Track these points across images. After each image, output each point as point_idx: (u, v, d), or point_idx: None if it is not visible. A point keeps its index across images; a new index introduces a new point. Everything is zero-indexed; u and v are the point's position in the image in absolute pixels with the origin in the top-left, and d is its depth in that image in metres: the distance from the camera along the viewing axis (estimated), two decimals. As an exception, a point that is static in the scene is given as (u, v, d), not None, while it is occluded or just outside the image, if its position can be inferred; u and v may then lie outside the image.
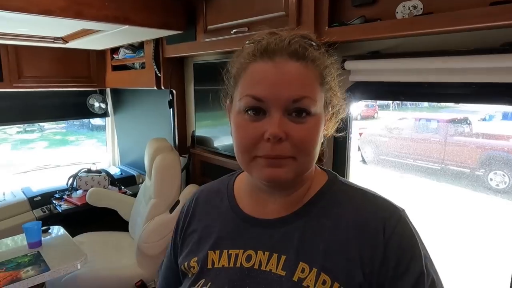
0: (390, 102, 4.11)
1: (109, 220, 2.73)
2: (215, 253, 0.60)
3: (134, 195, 2.79)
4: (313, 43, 0.58)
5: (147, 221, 2.09)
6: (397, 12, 1.15)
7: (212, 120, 2.15)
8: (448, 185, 3.07)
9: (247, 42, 0.62)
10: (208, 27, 1.85)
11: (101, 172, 2.90)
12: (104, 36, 2.21)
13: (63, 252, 1.81)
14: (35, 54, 2.64)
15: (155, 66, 2.31)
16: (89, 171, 2.87)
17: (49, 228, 2.03)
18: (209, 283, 0.58)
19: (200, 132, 2.22)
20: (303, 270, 0.54)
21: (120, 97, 3.22)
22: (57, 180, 2.99)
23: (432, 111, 3.93)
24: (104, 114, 3.32)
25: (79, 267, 1.71)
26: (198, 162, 2.23)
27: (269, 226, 0.59)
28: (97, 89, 3.16)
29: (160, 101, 2.69)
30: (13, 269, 1.62)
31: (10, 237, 1.99)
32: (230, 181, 0.68)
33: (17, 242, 1.92)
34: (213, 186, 0.72)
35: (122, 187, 2.83)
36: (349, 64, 1.41)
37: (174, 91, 2.42)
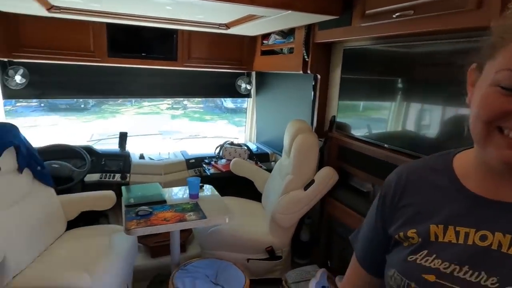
0: None
1: (245, 189, 3.05)
2: (438, 227, 0.59)
3: (268, 170, 3.04)
4: None
5: (283, 194, 2.26)
6: None
7: (355, 109, 2.15)
8: None
9: None
10: (367, 11, 1.83)
11: (242, 146, 3.24)
12: (262, 22, 2.43)
13: (214, 207, 2.12)
14: (200, 38, 3.08)
15: (304, 51, 2.42)
16: (232, 143, 3.24)
17: (203, 185, 2.40)
18: (434, 255, 0.57)
19: (341, 117, 2.25)
20: None
21: (263, 80, 3.49)
22: (205, 148, 3.49)
23: None
24: (247, 95, 3.66)
25: (226, 221, 1.99)
26: (335, 146, 2.28)
27: (506, 209, 0.55)
28: (245, 71, 3.50)
29: (301, 85, 2.82)
30: (179, 211, 1.99)
31: (176, 187, 2.45)
32: (447, 161, 0.65)
33: (181, 192, 2.35)
34: (425, 164, 0.69)
35: (259, 162, 3.10)
36: None
37: (318, 76, 2.50)
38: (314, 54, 2.41)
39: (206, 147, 3.46)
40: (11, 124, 2.02)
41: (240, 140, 3.83)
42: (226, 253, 2.30)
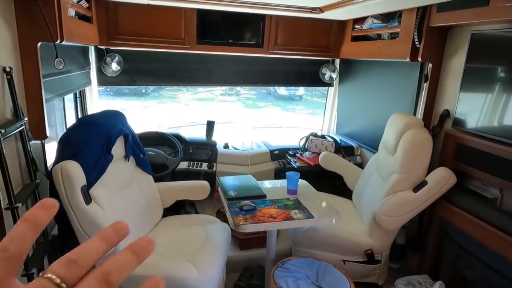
0: None
1: (332, 185, 2.91)
2: None
3: (356, 165, 2.85)
4: None
5: (388, 195, 2.07)
6: None
7: (483, 103, 1.87)
8: None
9: None
10: (518, -12, 1.55)
11: (326, 138, 3.07)
12: (364, 6, 2.21)
13: (317, 205, 2.00)
14: (288, 24, 2.92)
15: (416, 36, 2.17)
16: (316, 135, 3.09)
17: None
18: None
19: (462, 112, 1.99)
20: None
21: (348, 68, 3.26)
22: (284, 138, 3.38)
23: None
24: (329, 84, 3.46)
25: (334, 222, 1.86)
26: (452, 144, 2.03)
27: None
28: (330, 59, 3.30)
29: (401, 74, 2.57)
30: (283, 208, 1.90)
31: (268, 181, 2.37)
32: None
33: (276, 186, 2.26)
34: None
35: (347, 156, 2.92)
36: None
37: (430, 64, 2.24)
38: (427, 40, 2.15)
39: (286, 138, 3.35)
40: (120, 111, 2.05)
41: (318, 131, 3.66)
42: (321, 253, 2.18)
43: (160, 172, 2.45)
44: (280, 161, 2.95)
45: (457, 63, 2.10)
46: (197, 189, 2.31)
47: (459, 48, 2.08)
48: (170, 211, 2.40)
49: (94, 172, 1.70)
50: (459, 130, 2.00)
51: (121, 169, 1.97)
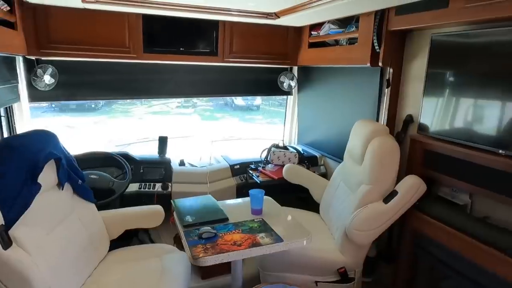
0: None
1: (297, 198, 2.75)
2: None
3: (321, 175, 2.73)
4: None
5: (358, 207, 1.95)
6: None
7: (449, 107, 1.81)
8: None
9: None
10: (476, -11, 1.51)
11: (289, 149, 2.93)
12: (319, 10, 2.11)
13: (286, 225, 1.82)
14: (243, 31, 2.77)
15: (375, 41, 2.10)
16: (278, 146, 2.93)
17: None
18: None
19: (427, 117, 1.92)
20: None
21: (307, 76, 3.17)
22: (244, 150, 3.18)
23: None
24: (288, 93, 3.34)
25: (305, 243, 1.68)
26: (419, 150, 1.95)
27: None
28: (288, 67, 3.19)
29: (360, 80, 2.50)
30: (248, 232, 1.69)
31: (230, 200, 2.15)
32: None
33: (238, 205, 2.05)
34: None
35: (311, 167, 2.79)
36: None
37: (390, 69, 2.18)
38: (387, 44, 2.09)
39: (246, 150, 3.16)
40: (50, 132, 1.73)
41: (278, 142, 3.51)
42: (292, 275, 2.00)
43: (106, 198, 2.14)
44: (242, 176, 2.75)
45: (418, 67, 2.05)
46: (149, 215, 2.04)
47: (420, 52, 2.04)
48: (121, 240, 2.09)
49: (14, 208, 1.38)
50: (425, 135, 1.94)
51: (53, 200, 1.64)
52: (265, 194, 2.05)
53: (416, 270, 2.03)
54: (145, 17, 2.43)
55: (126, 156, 2.50)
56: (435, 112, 1.89)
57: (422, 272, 2.00)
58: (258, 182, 2.56)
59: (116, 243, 2.04)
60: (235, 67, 3.00)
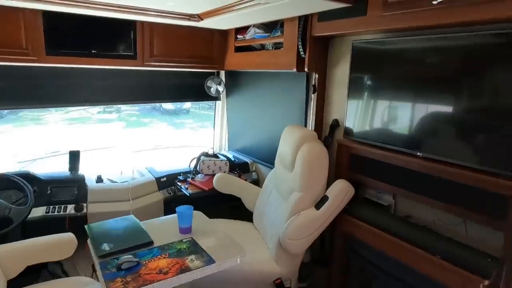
0: None
1: (228, 208, 2.64)
2: None
3: (253, 182, 2.66)
4: None
5: (291, 215, 1.91)
6: None
7: (371, 111, 1.88)
8: None
9: None
10: (391, -2, 1.57)
11: (219, 157, 2.81)
12: (243, 13, 2.04)
13: (218, 243, 1.69)
14: (164, 32, 2.59)
15: (300, 46, 2.10)
16: (207, 155, 2.79)
17: (191, 213, 1.94)
18: None
19: (351, 121, 1.97)
20: None
21: (234, 80, 3.09)
22: (171, 160, 2.98)
23: None
24: (216, 98, 3.23)
25: (238, 261, 1.58)
26: (345, 154, 1.99)
27: None
28: (215, 71, 3.07)
29: (287, 85, 2.49)
30: (175, 255, 1.53)
31: (157, 219, 1.95)
32: None
33: (165, 224, 1.86)
34: None
35: (242, 174, 2.70)
36: None
37: (316, 75, 2.20)
38: (312, 50, 2.10)
39: (174, 160, 2.96)
40: None
41: (208, 150, 3.37)
42: (227, 293, 1.89)
43: (0, 229, 1.78)
44: (169, 189, 2.55)
45: (342, 72, 2.09)
46: (57, 246, 1.74)
47: (343, 58, 2.08)
48: (29, 274, 1.75)
49: None
50: (351, 139, 1.98)
51: None
52: (196, 207, 1.90)
53: (349, 272, 2.06)
54: (46, 14, 2.10)
55: (27, 176, 2.13)
56: (357, 116, 1.94)
57: (354, 274, 2.04)
58: (188, 194, 2.40)
59: (20, 281, 1.71)
60: (157, 72, 2.79)
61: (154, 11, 2.21)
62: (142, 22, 2.46)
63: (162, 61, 2.63)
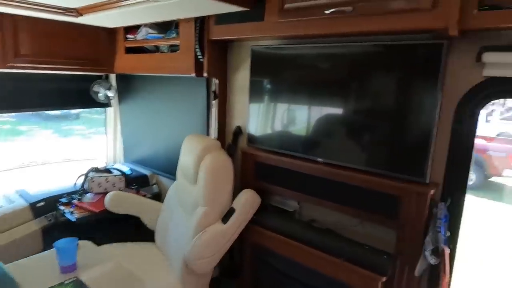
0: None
1: (130, 224, 2.34)
2: None
3: (153, 198, 2.43)
4: None
5: (197, 232, 1.76)
6: None
7: (272, 118, 1.86)
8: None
9: None
10: (286, 5, 1.56)
11: (112, 172, 2.48)
12: (131, 11, 1.82)
13: (110, 278, 1.44)
14: (33, 28, 2.17)
15: (198, 50, 1.96)
16: (97, 170, 2.44)
17: (77, 244, 1.63)
18: None
19: (254, 128, 1.92)
20: None
21: (129, 84, 2.79)
22: (52, 180, 2.53)
23: None
24: (106, 105, 2.87)
25: (136, 296, 1.36)
26: (250, 163, 1.93)
27: None
28: (103, 74, 2.71)
29: (186, 90, 2.34)
30: (54, 304, 1.24)
31: (29, 257, 1.58)
32: None
33: (40, 264, 1.51)
34: None
35: (141, 190, 2.44)
36: (489, 56, 1.22)
37: (216, 80, 2.09)
38: (211, 54, 1.99)
39: (56, 178, 2.51)
40: None
41: (100, 161, 2.98)
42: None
43: None
44: (49, 215, 2.14)
45: (243, 78, 2.03)
46: None
47: (243, 63, 2.02)
48: None
49: None
50: (254, 147, 1.93)
51: None
52: (85, 234, 1.61)
53: (259, 283, 2.01)
54: None
55: None
56: (259, 122, 1.90)
57: (264, 284, 1.99)
58: (73, 220, 2.03)
59: None
60: (26, 75, 2.31)
61: (16, 1, 1.81)
62: (3, 14, 2.00)
63: (32, 62, 2.19)
